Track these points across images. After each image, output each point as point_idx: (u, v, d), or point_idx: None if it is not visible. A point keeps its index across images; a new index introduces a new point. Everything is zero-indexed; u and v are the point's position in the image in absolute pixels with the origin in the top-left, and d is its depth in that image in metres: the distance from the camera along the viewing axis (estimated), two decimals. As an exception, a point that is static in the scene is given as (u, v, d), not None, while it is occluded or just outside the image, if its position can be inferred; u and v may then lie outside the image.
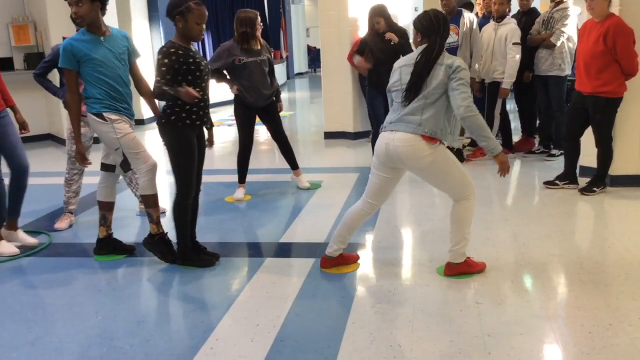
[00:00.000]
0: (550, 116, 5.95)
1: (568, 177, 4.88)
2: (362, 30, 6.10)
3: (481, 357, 2.44)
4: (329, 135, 7.68)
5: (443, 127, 2.99)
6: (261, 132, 7.86)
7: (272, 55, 5.03)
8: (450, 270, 3.24)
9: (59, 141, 7.92)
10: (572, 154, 4.88)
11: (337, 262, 3.42)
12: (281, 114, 5.15)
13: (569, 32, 5.67)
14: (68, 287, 3.40)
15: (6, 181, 3.94)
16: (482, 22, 6.36)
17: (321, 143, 7.59)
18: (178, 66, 3.28)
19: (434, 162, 2.99)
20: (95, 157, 3.77)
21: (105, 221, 3.77)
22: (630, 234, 3.83)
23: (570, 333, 2.62)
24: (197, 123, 3.42)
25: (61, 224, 4.42)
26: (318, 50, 10.44)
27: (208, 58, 8.12)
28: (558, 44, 5.63)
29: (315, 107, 11.26)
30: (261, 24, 4.89)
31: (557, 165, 5.43)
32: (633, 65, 4.39)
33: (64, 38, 3.53)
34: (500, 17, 5.86)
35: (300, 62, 19.88)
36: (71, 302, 3.19)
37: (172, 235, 3.80)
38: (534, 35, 5.84)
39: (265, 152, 7.23)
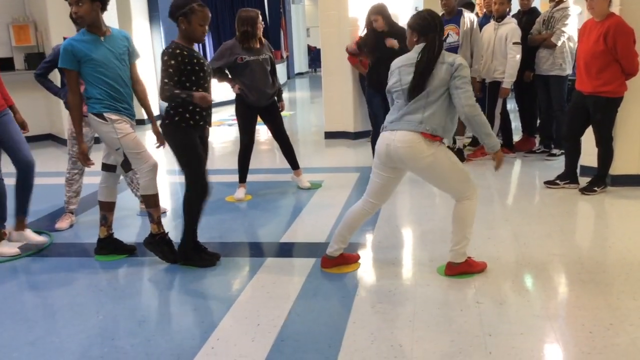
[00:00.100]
0: (551, 116, 5.95)
1: (569, 176, 4.88)
2: (362, 31, 6.09)
3: (482, 357, 2.44)
4: (329, 135, 7.68)
5: (445, 124, 3.00)
6: (262, 132, 7.87)
7: (273, 54, 5.04)
8: (451, 270, 3.24)
9: (60, 141, 7.92)
10: (573, 154, 4.87)
11: (337, 261, 3.42)
12: (282, 113, 5.15)
13: (570, 31, 5.67)
14: (69, 287, 3.40)
15: (9, 181, 3.94)
16: (483, 21, 6.36)
17: (322, 143, 7.59)
18: (183, 67, 3.28)
19: (434, 162, 3.00)
20: (96, 157, 3.77)
21: (106, 221, 3.77)
22: (630, 233, 3.83)
23: (571, 333, 2.62)
24: (201, 123, 3.43)
25: (62, 223, 4.42)
26: (318, 50, 10.43)
27: (209, 58, 8.13)
28: (559, 43, 5.63)
29: (316, 107, 11.26)
30: (262, 23, 4.89)
31: (558, 164, 5.43)
32: (633, 64, 4.39)
33: (64, 38, 3.53)
34: (500, 17, 5.86)
35: (301, 62, 19.87)
36: (72, 302, 3.20)
37: (172, 235, 3.81)
38: (535, 35, 5.84)
39: (266, 152, 7.23)
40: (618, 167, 4.82)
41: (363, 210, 3.30)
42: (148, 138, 8.14)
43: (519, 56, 5.69)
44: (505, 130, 6.22)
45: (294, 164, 5.26)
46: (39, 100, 7.97)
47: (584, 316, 2.75)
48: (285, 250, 3.90)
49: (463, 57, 3.52)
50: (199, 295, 3.22)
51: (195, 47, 3.45)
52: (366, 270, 3.43)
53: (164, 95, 3.30)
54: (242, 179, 5.09)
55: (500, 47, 5.80)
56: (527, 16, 6.08)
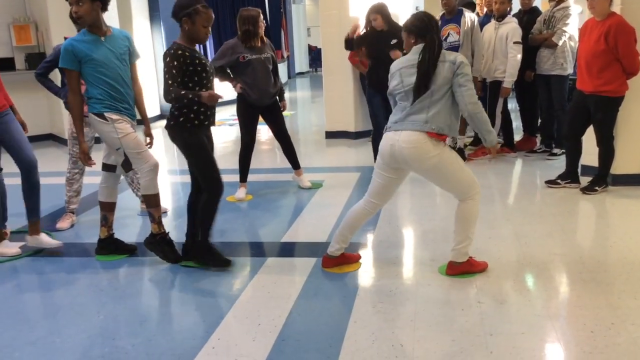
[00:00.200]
0: (552, 115, 5.94)
1: (570, 176, 4.88)
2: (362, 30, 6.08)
3: (483, 357, 2.44)
4: (330, 135, 7.68)
5: (450, 122, 3.01)
6: (262, 132, 7.87)
7: (275, 54, 5.04)
8: (452, 270, 3.23)
9: (61, 141, 7.93)
10: (574, 153, 4.87)
11: (338, 261, 3.42)
12: (283, 113, 5.15)
13: (571, 31, 5.67)
14: (70, 287, 3.40)
15: (12, 180, 3.94)
16: (484, 21, 6.35)
17: (322, 142, 7.59)
18: (185, 67, 3.27)
19: (439, 163, 3.00)
20: (97, 157, 3.77)
21: (106, 222, 3.77)
22: (632, 233, 3.82)
23: (572, 332, 2.62)
24: (206, 123, 3.42)
25: (63, 223, 4.43)
26: (319, 50, 10.42)
27: (209, 57, 8.12)
28: (560, 43, 5.62)
29: (317, 106, 11.26)
30: (264, 21, 4.89)
31: (559, 164, 5.43)
32: (634, 64, 4.38)
33: (65, 38, 3.53)
34: (501, 16, 5.86)
35: (301, 62, 19.87)
36: (73, 302, 3.20)
37: (173, 235, 3.81)
38: (536, 35, 5.83)
39: (267, 151, 7.23)
40: (619, 167, 4.82)
41: (364, 210, 3.30)
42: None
43: (519, 55, 5.69)
44: (506, 129, 6.22)
45: (295, 164, 5.26)
46: (39, 100, 7.98)
47: (585, 315, 2.75)
48: (286, 250, 3.90)
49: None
50: (199, 295, 3.22)
51: (196, 46, 3.45)
52: (367, 270, 3.42)
53: (169, 97, 3.28)
54: (243, 179, 5.09)
55: (501, 47, 5.80)
56: (528, 15, 6.08)
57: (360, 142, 7.31)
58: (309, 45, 20.42)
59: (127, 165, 3.59)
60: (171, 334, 2.78)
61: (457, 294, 3.03)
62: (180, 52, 3.28)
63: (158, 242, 3.62)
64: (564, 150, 5.36)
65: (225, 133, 8.68)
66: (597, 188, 4.70)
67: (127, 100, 3.53)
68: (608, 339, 2.53)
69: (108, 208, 3.77)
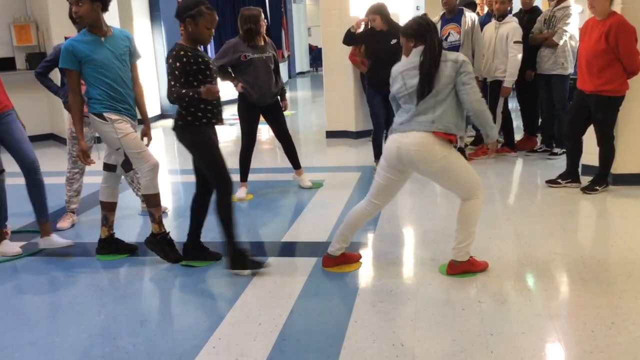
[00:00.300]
0: (553, 115, 5.94)
1: (570, 175, 4.88)
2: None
3: (484, 356, 2.44)
4: (330, 135, 7.68)
5: (456, 121, 3.02)
6: (263, 131, 7.87)
7: (277, 53, 5.04)
8: (452, 269, 3.23)
9: (61, 141, 7.92)
10: (574, 153, 4.87)
11: (339, 261, 3.42)
12: (284, 113, 5.15)
13: (571, 30, 5.66)
14: (70, 286, 3.41)
15: (15, 180, 3.94)
16: (484, 20, 6.35)
17: (323, 142, 7.59)
18: (189, 67, 3.27)
19: (446, 166, 3.00)
20: (97, 157, 3.77)
21: (107, 221, 3.78)
22: (632, 232, 3.82)
23: (572, 332, 2.62)
24: (213, 121, 3.42)
25: (63, 223, 4.43)
26: (319, 50, 10.43)
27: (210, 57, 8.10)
28: (561, 43, 5.62)
29: (317, 106, 11.25)
30: (265, 20, 4.89)
31: (560, 163, 5.42)
32: (635, 63, 4.38)
33: (66, 38, 3.53)
34: (501, 16, 5.85)
35: (302, 62, 19.85)
36: (73, 302, 3.20)
37: (174, 235, 3.81)
38: (536, 35, 5.83)
39: (267, 151, 7.23)
40: (619, 166, 4.81)
41: (365, 211, 3.30)
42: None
43: (520, 55, 5.69)
44: (506, 129, 6.21)
45: (296, 164, 5.26)
46: (40, 100, 7.98)
47: (586, 315, 2.75)
48: (287, 249, 3.90)
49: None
50: (200, 295, 3.22)
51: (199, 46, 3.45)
52: (367, 270, 3.43)
53: (171, 97, 3.28)
54: (244, 179, 5.09)
55: (501, 46, 5.79)
56: (529, 15, 6.07)
57: (360, 141, 7.30)
58: (309, 44, 20.41)
59: (127, 165, 3.59)
60: (172, 334, 2.78)
61: (458, 294, 3.03)
62: (182, 52, 3.28)
63: (158, 242, 3.63)
64: (564, 150, 5.36)
65: (225, 132, 8.67)
66: (597, 187, 4.70)
67: (126, 100, 3.53)
68: (609, 338, 2.53)
69: (109, 208, 3.77)
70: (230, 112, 9.47)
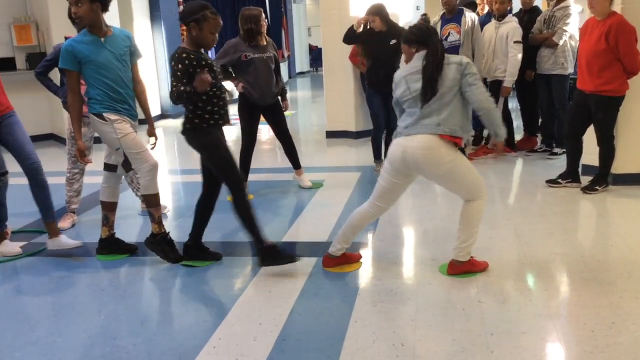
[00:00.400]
0: (553, 115, 5.94)
1: (570, 175, 4.88)
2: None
3: (484, 356, 2.44)
4: (330, 135, 7.68)
5: (462, 124, 3.02)
6: (263, 131, 7.87)
7: (278, 53, 5.04)
8: (453, 269, 3.23)
9: (62, 141, 7.92)
10: (575, 153, 4.87)
11: (339, 261, 3.42)
12: (284, 113, 5.15)
13: (571, 30, 5.66)
14: (71, 286, 3.41)
15: (19, 180, 3.93)
16: (484, 20, 6.35)
17: (323, 142, 7.59)
18: (192, 70, 3.26)
19: (452, 169, 3.00)
20: (98, 157, 3.77)
21: (107, 221, 3.78)
22: (632, 232, 3.82)
23: (573, 332, 2.62)
24: (220, 122, 3.42)
25: (64, 223, 4.42)
26: (319, 50, 10.44)
27: (211, 57, 8.09)
28: (560, 43, 5.62)
29: (317, 106, 11.25)
30: (266, 20, 4.89)
31: (560, 163, 5.42)
32: (635, 63, 4.38)
33: (66, 38, 3.53)
34: (501, 16, 5.85)
35: (302, 62, 19.86)
36: (74, 302, 3.20)
37: (174, 235, 3.81)
38: (536, 35, 5.83)
39: (267, 151, 7.23)
40: (620, 166, 4.81)
41: (369, 213, 3.30)
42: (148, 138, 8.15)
43: (520, 55, 5.69)
44: (506, 129, 6.20)
45: (296, 164, 5.26)
46: (40, 100, 7.98)
47: (586, 315, 2.75)
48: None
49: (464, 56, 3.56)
50: (200, 295, 3.22)
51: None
52: (368, 269, 3.43)
53: (173, 97, 3.29)
54: (244, 178, 5.09)
55: (501, 46, 5.79)
56: (529, 15, 6.08)
57: (360, 141, 7.30)
58: (309, 44, 20.41)
59: (126, 165, 3.59)
60: (172, 334, 2.78)
61: (458, 294, 3.03)
62: (184, 55, 3.26)
63: (158, 242, 3.63)
64: (564, 150, 5.36)
65: (226, 132, 8.67)
66: (597, 187, 4.70)
67: (126, 100, 3.52)
68: (609, 338, 2.53)
69: (109, 208, 3.77)
70: (230, 112, 9.47)
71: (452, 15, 5.79)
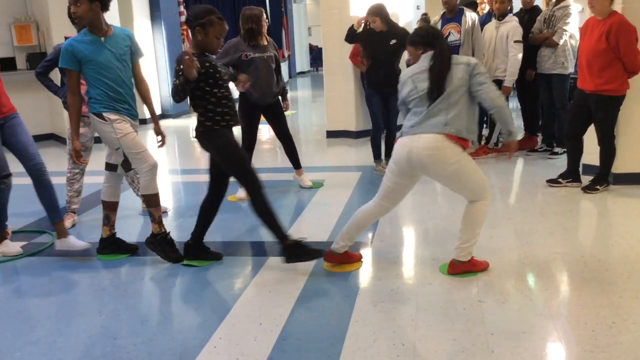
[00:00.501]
0: (553, 114, 5.94)
1: (571, 175, 4.88)
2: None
3: (484, 356, 2.44)
4: (331, 134, 7.68)
5: (468, 125, 3.02)
6: (263, 131, 7.87)
7: (278, 53, 5.03)
8: (454, 269, 3.23)
9: (62, 141, 7.93)
10: (575, 152, 4.87)
11: (341, 258, 3.41)
12: (285, 113, 5.14)
13: (571, 29, 5.66)
14: (71, 286, 3.41)
15: (23, 180, 3.93)
16: (485, 20, 6.35)
17: (323, 142, 7.59)
18: (197, 73, 3.24)
19: (457, 171, 2.99)
20: (99, 157, 3.77)
21: (108, 221, 3.78)
22: (633, 231, 3.82)
23: (573, 331, 2.62)
24: (230, 123, 3.41)
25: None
26: (320, 49, 10.44)
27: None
28: (561, 42, 5.62)
29: (317, 106, 11.25)
30: (267, 20, 4.89)
31: (560, 163, 5.43)
32: (636, 63, 4.37)
33: (66, 38, 3.53)
34: (501, 15, 5.85)
35: (302, 61, 19.86)
36: (74, 302, 3.20)
37: (174, 235, 3.81)
38: (536, 34, 5.83)
39: (268, 151, 7.23)
40: (620, 166, 4.81)
41: (374, 212, 3.30)
42: (150, 137, 8.15)
43: (520, 55, 5.69)
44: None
45: (296, 164, 5.26)
46: (41, 100, 7.98)
47: (587, 315, 2.75)
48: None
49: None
50: (201, 295, 3.22)
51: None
52: (368, 269, 3.43)
53: (172, 93, 3.28)
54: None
55: (501, 46, 5.80)
56: (529, 14, 6.07)
57: (361, 141, 7.30)
58: (309, 44, 20.42)
59: (126, 165, 3.59)
60: (172, 334, 2.78)
61: (459, 293, 3.03)
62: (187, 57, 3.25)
63: (159, 242, 3.63)
64: (565, 149, 5.36)
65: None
66: (598, 187, 4.69)
67: (126, 100, 3.52)
68: (609, 338, 2.53)
69: (111, 207, 3.77)
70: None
71: (453, 15, 5.80)
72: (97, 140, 4.41)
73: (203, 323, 2.87)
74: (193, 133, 3.48)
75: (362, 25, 5.39)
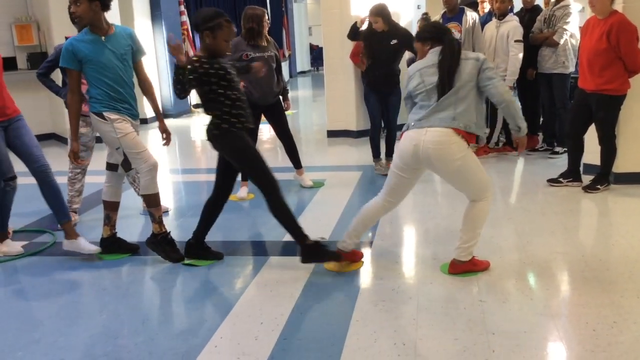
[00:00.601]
0: (554, 114, 5.94)
1: (572, 174, 4.88)
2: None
3: (485, 355, 2.44)
4: (331, 134, 7.68)
5: (476, 120, 3.01)
6: (264, 131, 7.87)
7: (279, 53, 5.03)
8: (454, 269, 3.23)
9: (63, 140, 7.93)
10: (576, 152, 4.87)
11: (350, 256, 3.41)
12: (286, 113, 5.14)
13: (572, 29, 5.66)
14: (72, 286, 3.41)
15: (27, 180, 3.93)
16: (486, 19, 6.35)
17: (324, 141, 7.59)
18: (207, 78, 3.23)
19: (462, 166, 2.99)
20: (100, 157, 3.77)
21: (109, 221, 3.78)
22: (634, 231, 3.82)
23: (574, 331, 2.62)
24: (246, 125, 3.41)
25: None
26: (320, 49, 10.44)
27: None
28: (561, 42, 5.62)
29: (318, 105, 11.26)
30: (268, 21, 4.89)
31: (561, 162, 5.43)
32: (636, 62, 4.37)
33: (66, 38, 3.53)
34: (502, 15, 5.85)
35: (303, 61, 19.86)
36: (76, 301, 3.21)
37: (175, 234, 3.82)
38: (537, 34, 5.83)
39: (268, 150, 7.23)
40: (621, 165, 4.81)
41: (380, 208, 3.29)
42: (150, 137, 8.16)
43: (521, 54, 5.69)
44: (507, 128, 6.19)
45: (297, 164, 5.26)
46: (42, 100, 7.99)
47: (588, 314, 2.75)
48: (288, 248, 3.89)
49: None
50: (202, 294, 3.22)
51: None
52: (369, 269, 3.43)
53: (173, 87, 3.26)
54: (245, 178, 5.09)
55: (502, 45, 5.79)
56: (530, 14, 6.07)
57: (361, 141, 7.30)
58: (310, 44, 20.41)
59: (126, 165, 3.59)
60: (173, 333, 2.78)
61: (459, 293, 3.03)
62: (197, 64, 3.24)
63: (159, 242, 3.63)
64: (565, 149, 5.36)
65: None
66: (599, 186, 4.69)
67: (127, 100, 3.52)
68: (610, 337, 2.53)
69: (112, 207, 3.77)
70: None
71: (453, 14, 5.80)
72: (99, 140, 4.42)
73: (204, 322, 2.88)
74: (204, 135, 3.45)
75: (366, 23, 5.40)
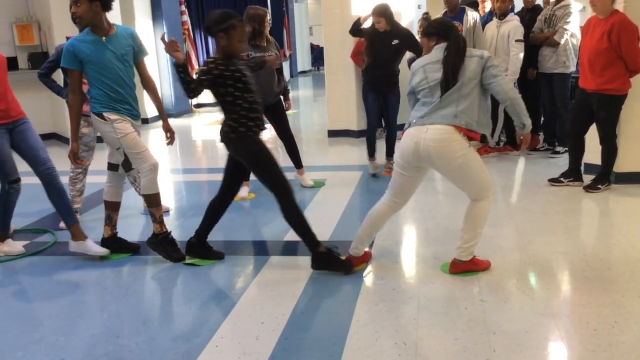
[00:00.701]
0: (555, 113, 5.94)
1: (573, 174, 4.87)
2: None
3: (486, 355, 2.44)
4: (332, 134, 7.68)
5: (478, 118, 3.00)
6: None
7: (280, 53, 5.03)
8: (455, 268, 3.23)
9: (64, 140, 7.94)
10: (577, 151, 4.86)
11: (363, 258, 3.42)
12: (287, 112, 5.14)
13: (572, 28, 5.66)
14: (73, 285, 3.41)
15: (31, 179, 3.94)
16: (486, 19, 6.35)
17: (325, 141, 7.59)
18: (222, 80, 3.22)
19: (463, 164, 2.98)
20: (101, 157, 3.77)
21: (110, 221, 3.78)
22: (635, 231, 3.82)
23: (575, 331, 2.62)
24: (261, 128, 3.40)
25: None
26: (321, 49, 10.44)
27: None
28: (562, 41, 5.62)
29: (319, 105, 11.26)
30: (270, 22, 4.89)
31: (562, 162, 5.42)
32: (637, 62, 4.37)
33: (67, 38, 3.53)
34: (503, 15, 5.85)
35: (304, 61, 19.86)
36: (77, 301, 3.21)
37: (176, 234, 3.82)
38: (537, 34, 5.83)
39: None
40: (622, 165, 4.81)
41: (387, 210, 3.28)
42: (152, 137, 8.16)
43: (521, 54, 5.68)
44: (508, 127, 6.20)
45: (298, 163, 5.26)
46: (43, 100, 7.99)
47: (589, 314, 2.75)
48: (289, 248, 3.90)
49: None
50: (203, 294, 3.22)
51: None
52: (370, 269, 3.43)
53: (185, 90, 3.24)
54: (246, 177, 5.08)
55: (502, 45, 5.79)
56: (530, 13, 6.07)
57: (362, 140, 7.24)
58: (311, 43, 20.41)
59: (127, 165, 3.59)
60: (174, 332, 2.79)
61: (460, 292, 3.03)
62: (212, 66, 3.22)
63: (160, 242, 3.63)
64: (566, 149, 5.36)
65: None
66: (600, 186, 4.69)
67: (127, 100, 3.51)
68: (612, 337, 2.53)
69: (113, 207, 3.78)
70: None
71: (454, 14, 5.80)
72: (100, 140, 4.42)
73: (205, 322, 2.88)
74: (218, 136, 3.43)
75: (369, 21, 5.41)
